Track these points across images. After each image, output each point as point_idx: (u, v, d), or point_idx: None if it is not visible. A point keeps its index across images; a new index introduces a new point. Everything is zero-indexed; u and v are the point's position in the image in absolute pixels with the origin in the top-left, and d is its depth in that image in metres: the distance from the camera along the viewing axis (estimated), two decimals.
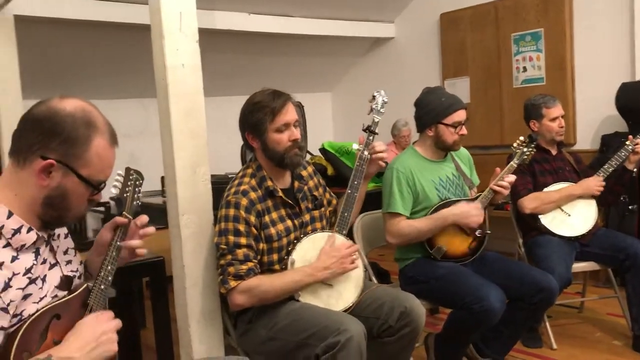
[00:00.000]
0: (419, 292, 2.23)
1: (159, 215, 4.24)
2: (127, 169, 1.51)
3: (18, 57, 3.83)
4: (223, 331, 2.20)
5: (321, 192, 2.27)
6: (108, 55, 4.74)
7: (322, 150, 3.75)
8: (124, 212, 1.46)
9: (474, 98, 5.21)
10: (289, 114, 2.02)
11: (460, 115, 2.48)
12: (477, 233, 2.47)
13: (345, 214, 2.14)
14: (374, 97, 2.30)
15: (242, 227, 1.97)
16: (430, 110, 2.50)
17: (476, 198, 2.48)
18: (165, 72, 2.00)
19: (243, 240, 1.96)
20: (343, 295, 2.08)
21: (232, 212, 1.98)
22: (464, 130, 2.49)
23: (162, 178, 4.83)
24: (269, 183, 2.06)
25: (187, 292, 2.08)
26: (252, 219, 1.98)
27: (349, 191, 2.15)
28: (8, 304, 1.18)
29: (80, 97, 1.30)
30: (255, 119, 2.01)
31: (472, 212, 2.41)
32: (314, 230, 2.14)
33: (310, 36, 5.51)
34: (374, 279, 2.58)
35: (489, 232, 2.50)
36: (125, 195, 1.48)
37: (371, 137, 2.21)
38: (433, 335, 2.58)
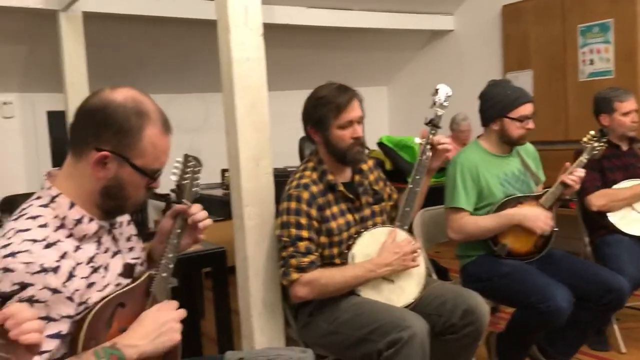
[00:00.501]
0: (481, 290, 2.17)
1: (219, 207, 4.32)
2: (186, 156, 1.50)
3: (85, 53, 3.97)
4: (284, 323, 2.22)
5: (381, 186, 2.25)
6: (171, 50, 4.85)
7: (380, 144, 3.73)
8: (183, 200, 1.46)
9: (537, 92, 5.05)
10: (354, 111, 2.00)
11: (526, 108, 2.40)
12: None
13: (407, 209, 2.11)
14: (437, 90, 2.26)
15: (303, 220, 1.97)
16: (495, 103, 2.44)
17: (543, 194, 2.41)
18: (231, 65, 2.02)
19: (304, 233, 1.97)
20: (405, 292, 2.05)
21: (293, 205, 1.99)
22: (530, 125, 2.41)
23: (222, 171, 4.93)
24: (330, 177, 2.06)
25: (249, 283, 2.10)
26: (313, 212, 1.98)
27: (411, 186, 2.13)
28: (73, 293, 1.21)
29: (131, 87, 1.30)
30: (319, 114, 2.00)
31: (540, 216, 2.33)
32: (375, 225, 2.12)
33: (367, 29, 5.47)
34: (434, 275, 2.54)
35: (556, 229, 2.42)
36: (184, 182, 1.48)
37: (434, 131, 2.17)
38: (495, 334, 2.52)
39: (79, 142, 1.26)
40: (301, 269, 1.94)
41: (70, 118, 3.96)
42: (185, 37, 4.69)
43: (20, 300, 1.12)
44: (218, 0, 2.05)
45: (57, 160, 4.99)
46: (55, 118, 4.93)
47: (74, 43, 3.93)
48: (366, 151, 2.13)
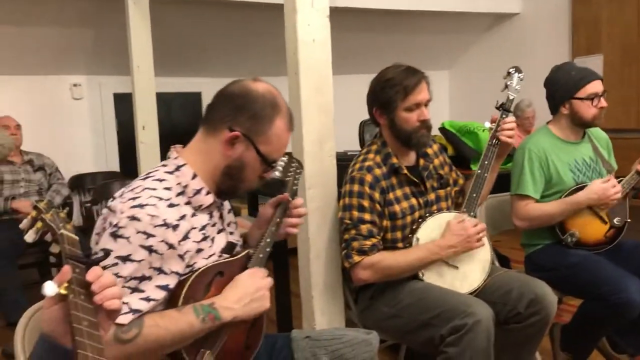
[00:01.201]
0: (547, 280, 2.09)
1: (280, 189, 4.37)
2: (290, 155, 1.63)
3: (151, 37, 4.05)
4: (344, 305, 2.22)
5: (447, 171, 2.21)
6: (234, 34, 4.89)
7: (442, 129, 3.65)
8: (285, 193, 1.58)
9: (608, 78, 4.80)
10: (422, 93, 1.97)
11: (594, 86, 2.29)
12: (615, 221, 2.30)
13: (474, 195, 2.06)
14: (509, 73, 2.19)
15: (366, 203, 1.96)
16: (560, 86, 2.34)
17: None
18: (297, 47, 2.02)
19: (367, 216, 1.95)
20: (468, 278, 2.02)
21: (356, 187, 1.98)
22: (603, 103, 2.30)
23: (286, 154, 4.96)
24: (394, 160, 2.03)
25: (311, 264, 2.11)
26: (377, 195, 1.97)
27: (479, 171, 2.08)
28: (185, 253, 1.30)
29: (269, 83, 1.44)
30: (386, 96, 1.97)
31: (609, 190, 2.23)
32: (440, 210, 2.09)
33: (431, 12, 5.36)
34: (496, 263, 2.49)
35: (628, 220, 2.32)
36: (287, 178, 1.60)
37: (505, 115, 2.11)
38: (559, 326, 2.44)
39: (215, 120, 1.39)
40: (363, 252, 1.93)
41: (136, 100, 4.08)
42: (249, 21, 4.72)
43: (141, 248, 1.23)
44: None
45: (123, 141, 5.15)
46: (121, 100, 5.07)
47: (140, 27, 4.01)
48: (437, 133, 2.10)
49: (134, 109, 4.14)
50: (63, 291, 0.89)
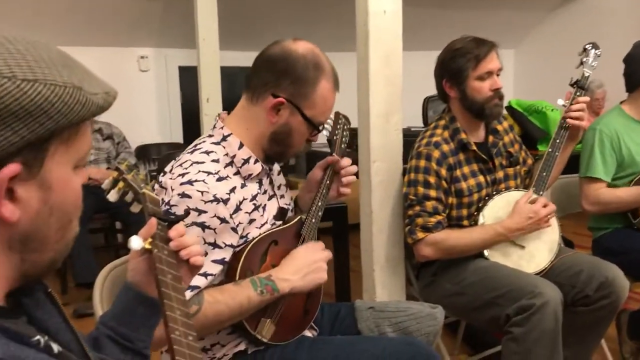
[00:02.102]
0: (616, 265, 2.03)
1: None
2: (337, 113, 1.59)
3: (217, 10, 4.09)
4: (405, 280, 2.21)
5: (517, 149, 2.15)
6: (300, 8, 4.87)
7: (509, 108, 3.57)
8: (333, 153, 1.54)
9: None
10: (494, 61, 1.92)
11: None
12: None
13: (544, 174, 2.01)
14: (585, 49, 2.11)
15: (432, 179, 1.93)
16: None
17: None
18: (367, 18, 1.99)
19: (432, 193, 1.93)
20: (535, 258, 1.97)
21: (422, 163, 1.95)
22: None
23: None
24: (463, 135, 1.99)
25: (373, 238, 2.11)
26: (443, 171, 1.94)
27: (550, 150, 2.02)
28: (237, 225, 1.30)
29: (309, 41, 1.38)
30: (456, 66, 1.93)
31: None
32: (508, 189, 2.04)
33: None
34: (562, 244, 2.42)
35: None
36: (334, 137, 1.56)
37: (579, 93, 2.04)
38: (627, 312, 2.37)
39: (257, 87, 1.35)
40: (427, 229, 1.91)
41: (201, 73, 4.14)
42: None
43: (194, 224, 1.23)
44: None
45: (187, 113, 5.26)
46: (186, 73, 5.17)
47: (207, 0, 4.06)
48: (503, 111, 2.04)
49: (199, 81, 4.21)
50: (147, 246, 0.92)
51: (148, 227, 0.94)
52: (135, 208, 1.14)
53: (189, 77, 5.02)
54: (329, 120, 1.55)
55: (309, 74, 1.33)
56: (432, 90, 2.11)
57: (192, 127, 4.97)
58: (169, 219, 0.99)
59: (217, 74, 4.20)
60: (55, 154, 0.66)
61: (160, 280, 0.87)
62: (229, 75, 4.45)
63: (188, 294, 1.22)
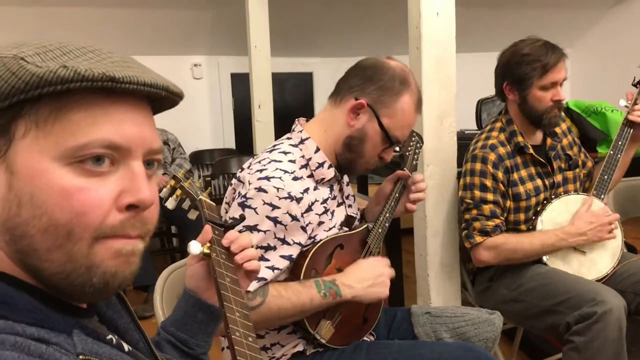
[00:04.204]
0: None
1: (390, 169, 4.36)
2: (412, 131, 1.60)
3: (268, 17, 4.14)
4: (460, 286, 2.18)
5: (576, 152, 2.09)
6: (349, 13, 4.88)
7: (566, 109, 3.45)
8: (404, 168, 1.55)
9: None
10: (560, 72, 1.86)
11: None
12: None
13: (605, 177, 1.95)
14: None
15: (489, 183, 1.90)
16: None
17: None
18: (420, 20, 1.98)
19: (490, 196, 1.89)
20: (596, 265, 1.91)
21: (478, 166, 1.92)
22: None
23: None
24: (519, 139, 1.95)
25: (427, 242, 2.09)
26: (500, 174, 1.90)
27: (611, 152, 1.96)
28: (307, 225, 1.33)
29: (403, 63, 1.43)
30: (522, 72, 1.87)
31: None
32: (567, 193, 1.98)
33: None
34: (625, 250, 2.33)
35: None
36: (407, 153, 1.58)
37: None
38: None
39: (343, 90, 1.41)
40: (485, 233, 1.88)
41: (253, 80, 4.20)
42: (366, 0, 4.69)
43: (267, 218, 1.27)
44: None
45: (239, 119, 5.34)
46: (238, 80, 5.24)
47: (258, 7, 4.11)
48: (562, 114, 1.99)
49: (251, 88, 4.27)
50: (206, 250, 0.94)
51: (205, 232, 0.96)
52: (192, 215, 1.17)
53: (241, 84, 5.10)
54: None
55: (395, 85, 1.37)
56: (486, 93, 2.08)
57: (244, 133, 5.04)
58: (225, 225, 1.01)
59: (268, 80, 4.24)
60: (26, 136, 0.59)
61: (219, 283, 0.89)
62: (280, 81, 4.50)
63: (254, 284, 1.26)
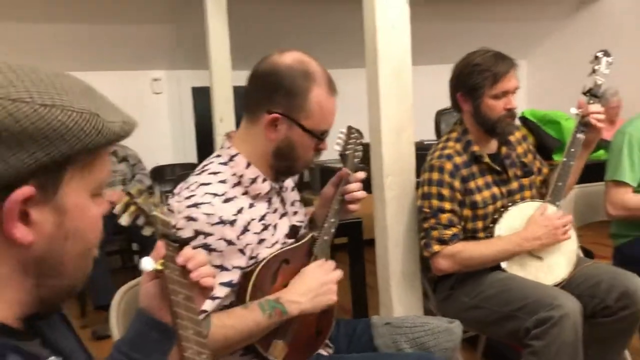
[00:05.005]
0: (638, 274, 2.00)
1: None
2: (349, 127, 1.57)
3: (228, 30, 4.14)
4: (422, 295, 2.19)
5: (531, 159, 2.13)
6: (310, 27, 4.91)
7: (523, 119, 3.55)
8: (344, 168, 1.52)
9: None
10: (511, 81, 1.91)
11: None
12: None
13: (560, 184, 1.99)
14: (596, 57, 2.10)
15: (446, 192, 1.92)
16: None
17: None
18: (375, 33, 2.00)
19: (447, 205, 1.92)
20: (553, 270, 1.94)
21: (436, 176, 1.94)
22: None
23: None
24: (475, 148, 1.98)
25: (389, 253, 2.10)
26: (457, 183, 1.93)
27: (565, 159, 2.00)
28: (245, 246, 1.29)
29: (298, 49, 1.35)
30: (473, 82, 1.91)
31: None
32: (523, 200, 2.02)
33: None
34: (581, 254, 2.39)
35: None
36: (347, 152, 1.54)
37: (592, 101, 2.02)
38: None
39: (252, 106, 1.35)
40: (443, 241, 1.90)
41: (214, 93, 4.19)
42: (325, 14, 4.73)
43: (200, 247, 1.22)
44: None
45: (201, 133, 5.30)
46: (199, 94, 5.21)
47: (218, 21, 4.12)
48: (517, 123, 2.03)
49: (212, 102, 4.25)
50: (159, 267, 0.92)
51: (157, 248, 0.94)
52: (147, 231, 1.15)
53: (202, 98, 5.06)
54: (340, 135, 1.55)
55: (299, 84, 1.31)
56: (444, 104, 2.12)
57: (205, 148, 5.01)
58: (180, 240, 1.00)
59: (229, 93, 4.23)
60: (72, 179, 0.68)
61: (172, 300, 0.88)
62: (241, 94, 4.47)
63: None
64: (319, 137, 1.36)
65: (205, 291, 0.98)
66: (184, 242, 0.99)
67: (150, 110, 5.08)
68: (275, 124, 1.32)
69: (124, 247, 4.24)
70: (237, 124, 4.17)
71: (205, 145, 5.13)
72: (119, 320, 1.37)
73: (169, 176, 4.88)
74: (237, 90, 4.31)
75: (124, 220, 1.16)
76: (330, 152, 1.49)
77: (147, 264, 0.92)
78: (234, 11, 4.14)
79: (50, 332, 0.73)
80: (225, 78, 4.21)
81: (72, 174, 0.67)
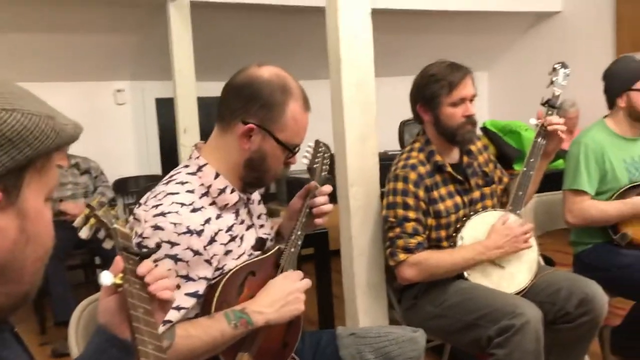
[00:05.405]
0: (597, 281, 2.04)
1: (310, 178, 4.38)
2: (317, 142, 1.60)
3: (192, 42, 4.12)
4: (387, 305, 2.20)
5: (492, 168, 2.17)
6: (275, 38, 4.92)
7: (484, 129, 3.61)
8: (312, 182, 1.53)
9: None
10: (467, 88, 1.94)
11: None
12: None
13: (520, 193, 2.03)
14: (554, 69, 2.16)
15: (410, 201, 1.94)
16: (617, 77, 2.30)
17: None
18: (339, 45, 2.02)
19: (412, 214, 1.93)
20: (515, 278, 1.98)
21: (400, 185, 1.96)
22: None
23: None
24: (438, 157, 2.01)
25: (354, 263, 2.10)
26: (421, 193, 1.95)
27: (525, 169, 2.04)
28: (212, 257, 1.28)
29: (275, 64, 1.38)
30: (430, 92, 1.95)
31: None
32: (485, 209, 2.05)
33: (469, 12, 5.30)
34: (542, 262, 2.43)
35: None
36: (314, 165, 1.56)
37: (551, 112, 2.07)
38: (609, 328, 2.38)
39: (227, 115, 1.35)
40: (408, 250, 1.91)
41: (178, 104, 4.15)
42: (290, 25, 4.74)
43: (166, 257, 1.21)
44: None
45: (165, 144, 5.24)
46: (163, 105, 5.15)
47: (182, 32, 4.09)
48: (477, 131, 2.06)
49: (176, 113, 4.22)
50: (118, 281, 0.91)
51: (116, 262, 0.93)
52: (108, 244, 1.13)
53: (166, 109, 5.00)
54: (308, 148, 1.57)
55: (277, 98, 1.32)
56: (408, 114, 2.14)
57: (170, 159, 4.95)
58: (140, 254, 0.98)
59: (193, 104, 4.20)
60: (31, 182, 0.69)
61: (132, 315, 0.86)
62: (206, 105, 4.46)
63: (160, 328, 1.19)
64: (292, 150, 1.38)
65: (165, 305, 0.96)
66: (144, 256, 0.98)
67: (113, 121, 4.99)
68: (250, 134, 1.33)
69: (86, 261, 4.14)
70: (202, 135, 4.18)
71: (169, 156, 5.07)
72: (78, 336, 1.33)
73: (133, 188, 4.80)
74: (201, 100, 4.28)
75: (84, 233, 1.14)
76: (297, 164, 1.49)
77: (106, 278, 0.90)
78: (198, 22, 4.12)
79: (2, 350, 0.70)
80: (189, 89, 4.18)
81: (31, 177, 0.68)
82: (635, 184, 2.24)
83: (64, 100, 4.73)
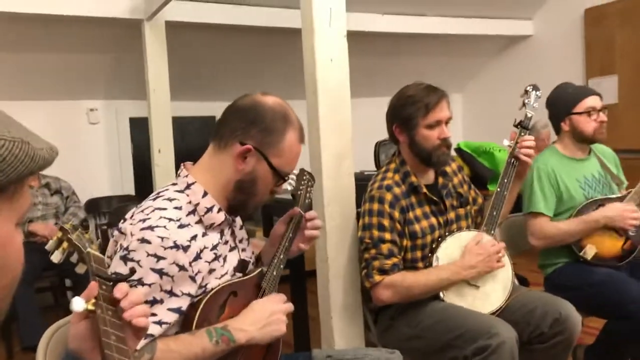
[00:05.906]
0: (569, 301, 2.07)
1: (292, 204, 4.37)
2: (302, 170, 1.63)
3: (167, 61, 4.10)
4: (363, 326, 2.19)
5: (466, 189, 2.19)
6: (250, 58, 4.93)
7: (458, 150, 3.66)
8: (296, 207, 1.56)
9: (622, 98, 4.82)
10: (443, 111, 1.97)
11: (592, 100, 2.35)
12: (630, 232, 2.28)
13: (494, 213, 2.05)
14: (526, 91, 2.21)
15: (386, 222, 1.94)
16: (558, 104, 2.41)
17: (626, 195, 2.31)
18: (315, 66, 2.03)
19: (387, 236, 1.94)
20: (490, 298, 1.99)
21: (376, 206, 1.97)
22: (603, 117, 2.35)
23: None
24: (413, 179, 2.02)
25: (330, 284, 2.09)
26: (396, 214, 1.95)
27: (498, 189, 2.07)
28: (196, 274, 1.28)
29: (278, 95, 1.44)
30: (407, 113, 1.97)
31: (626, 212, 2.24)
32: (459, 229, 2.07)
33: (442, 35, 5.39)
34: (516, 282, 2.45)
35: None
36: (299, 192, 1.59)
37: (523, 133, 2.11)
38: (582, 347, 2.40)
39: (225, 135, 1.38)
40: (384, 272, 1.91)
41: (152, 124, 4.11)
42: (265, 46, 4.76)
43: (152, 271, 1.21)
44: (303, 1, 2.06)
45: (138, 164, 5.18)
46: (137, 124, 5.10)
47: (156, 52, 4.07)
48: (452, 153, 2.09)
49: (150, 132, 4.17)
50: (91, 307, 0.88)
51: (90, 288, 0.91)
52: (81, 269, 1.10)
53: (140, 129, 4.96)
54: (292, 176, 1.58)
55: (278, 125, 1.37)
56: (383, 135, 2.16)
57: (143, 179, 4.89)
58: (114, 279, 0.96)
59: (168, 124, 4.17)
60: (2, 209, 0.65)
61: (104, 342, 0.84)
62: (180, 125, 4.44)
63: (141, 342, 1.17)
64: (282, 177, 1.41)
65: (139, 332, 0.94)
66: (118, 281, 0.96)
67: (85, 141, 4.93)
68: (246, 155, 1.36)
69: (55, 284, 4.05)
70: (176, 155, 4.14)
71: (143, 176, 5.01)
72: None
73: (105, 208, 4.72)
74: (175, 120, 4.25)
75: (56, 257, 1.11)
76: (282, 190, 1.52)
77: (78, 304, 0.88)
78: (173, 42, 4.11)
79: None
80: (164, 109, 4.15)
81: (2, 204, 0.65)
82: (591, 199, 2.32)
83: (36, 119, 4.66)
